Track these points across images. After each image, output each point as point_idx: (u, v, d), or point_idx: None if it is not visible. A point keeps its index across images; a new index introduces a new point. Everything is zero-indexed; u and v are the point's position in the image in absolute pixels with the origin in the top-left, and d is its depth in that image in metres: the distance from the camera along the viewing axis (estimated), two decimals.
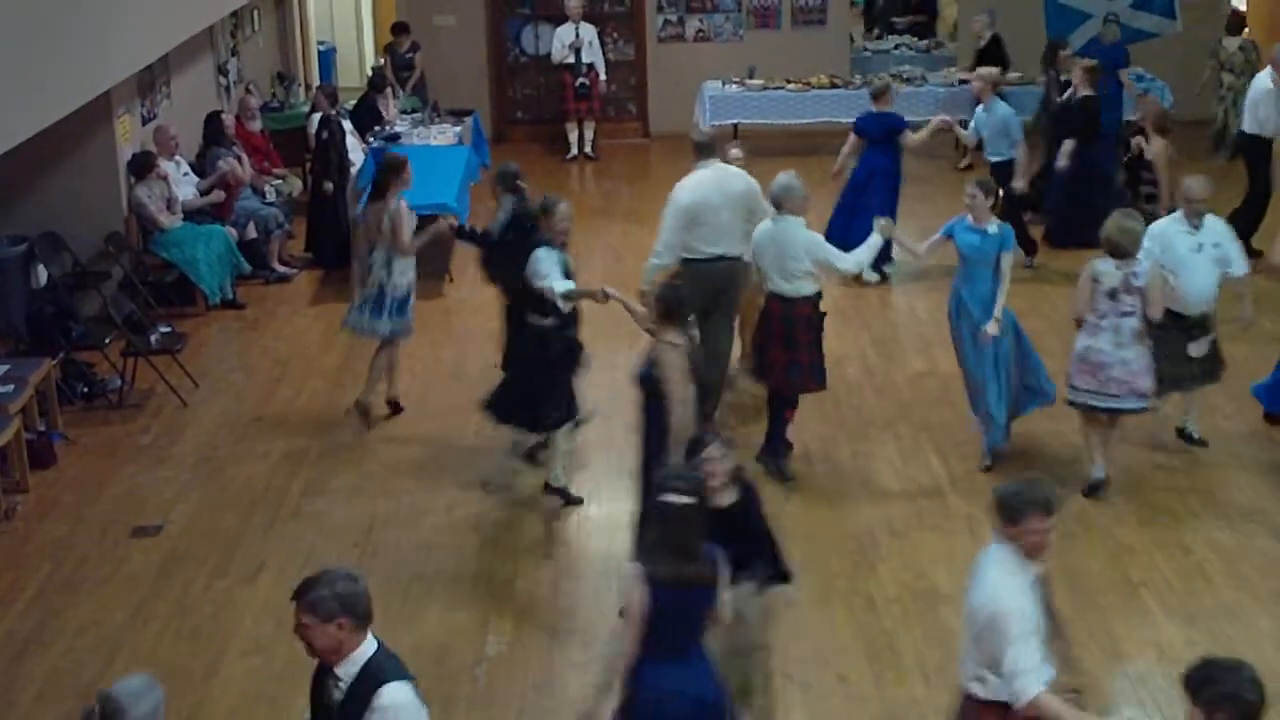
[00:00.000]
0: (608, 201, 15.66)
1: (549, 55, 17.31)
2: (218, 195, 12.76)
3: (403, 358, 10.32)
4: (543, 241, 8.54)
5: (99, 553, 8.39)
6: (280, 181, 14.12)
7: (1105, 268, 8.40)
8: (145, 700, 4.72)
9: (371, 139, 14.51)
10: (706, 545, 5.39)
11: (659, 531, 5.46)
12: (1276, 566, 7.95)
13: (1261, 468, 9.04)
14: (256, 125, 14.38)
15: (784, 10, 18.11)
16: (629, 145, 17.79)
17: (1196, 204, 8.95)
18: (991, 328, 8.76)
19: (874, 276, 12.49)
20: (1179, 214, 9.10)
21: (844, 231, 11.78)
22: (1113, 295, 8.39)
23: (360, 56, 21.15)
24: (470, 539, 8.47)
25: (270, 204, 13.42)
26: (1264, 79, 12.95)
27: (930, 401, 10.09)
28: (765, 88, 16.82)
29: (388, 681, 4.54)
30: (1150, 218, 9.45)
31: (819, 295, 8.96)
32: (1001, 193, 9.70)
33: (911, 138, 12.50)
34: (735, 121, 16.78)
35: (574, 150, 17.34)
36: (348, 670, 4.59)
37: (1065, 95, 13.43)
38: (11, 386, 9.11)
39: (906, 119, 12.74)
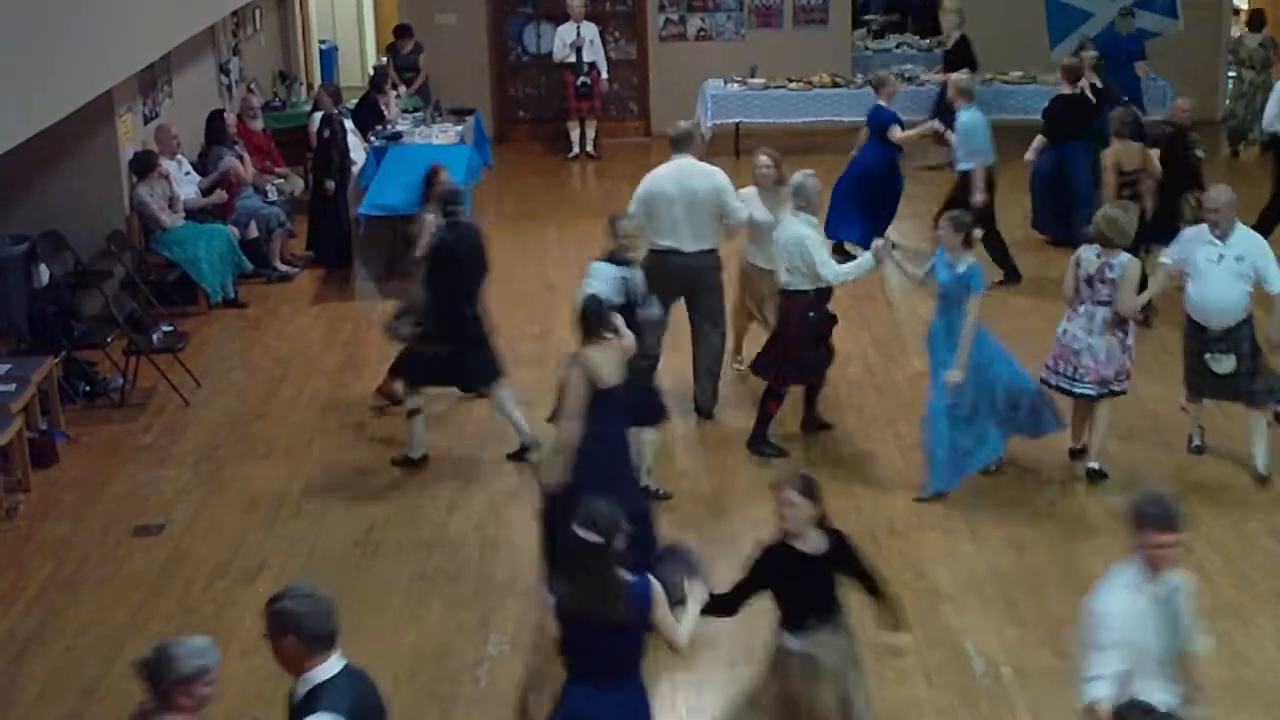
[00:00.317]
0: (609, 201, 15.58)
1: (551, 54, 17.30)
2: (220, 195, 12.77)
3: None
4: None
5: (100, 552, 8.40)
6: (282, 180, 14.13)
7: (1088, 254, 8.63)
8: (197, 659, 4.63)
9: (373, 138, 14.52)
10: (630, 582, 5.22)
11: (568, 562, 5.35)
12: (1278, 566, 7.95)
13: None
14: (258, 124, 14.38)
15: (785, 9, 18.10)
16: (631, 144, 17.78)
17: (1212, 214, 8.70)
18: (953, 375, 8.47)
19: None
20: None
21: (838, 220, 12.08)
22: (1089, 282, 8.60)
23: (362, 55, 21.15)
24: (471, 538, 8.47)
25: (272, 203, 13.42)
26: None
27: None
28: (767, 87, 16.82)
29: (315, 711, 4.46)
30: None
31: (816, 293, 9.01)
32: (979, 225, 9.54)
33: (898, 134, 12.55)
34: (737, 120, 16.78)
35: (575, 149, 17.34)
36: (299, 690, 4.58)
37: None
38: (13, 385, 9.12)
39: (898, 115, 12.75)
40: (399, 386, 9.61)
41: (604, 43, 17.57)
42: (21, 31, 7.32)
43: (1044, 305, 11.89)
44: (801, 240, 8.90)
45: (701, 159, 9.92)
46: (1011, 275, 12.39)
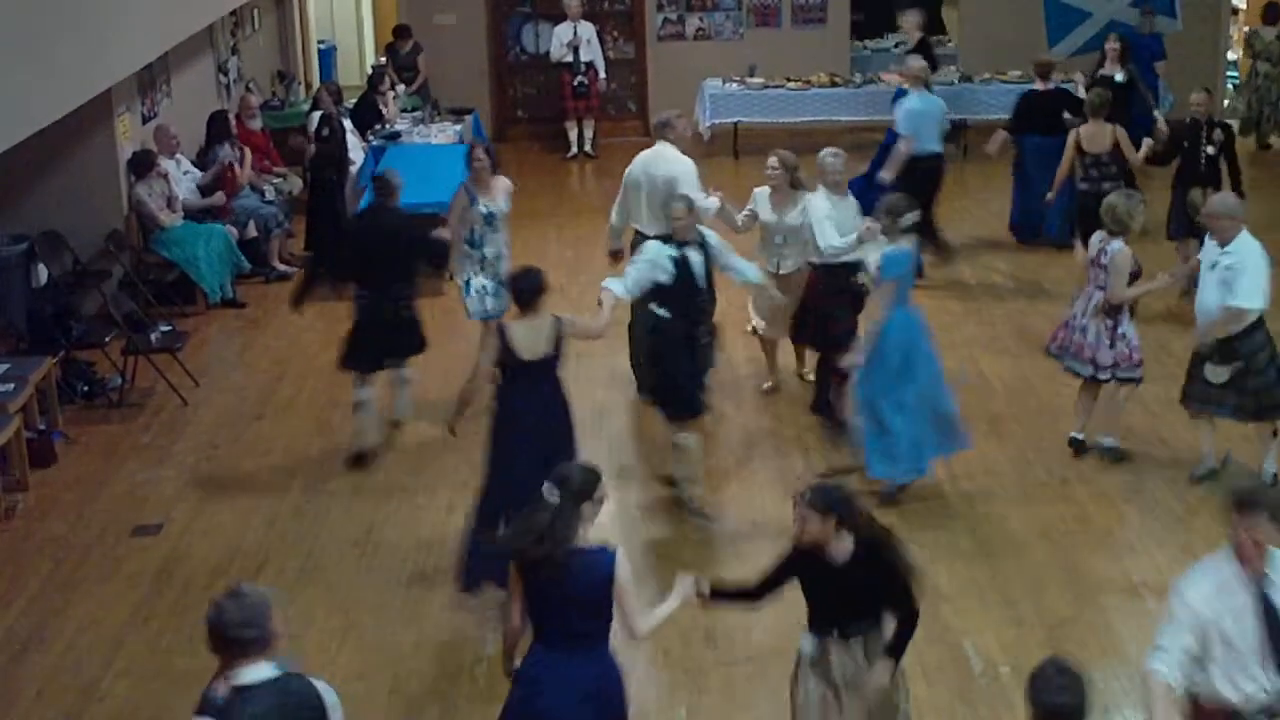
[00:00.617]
0: (608, 200, 15.55)
1: (549, 54, 17.30)
2: (219, 197, 12.77)
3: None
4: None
5: (99, 551, 8.39)
6: (280, 180, 14.12)
7: (1095, 238, 8.81)
8: (259, 609, 4.52)
9: (371, 137, 14.51)
10: (589, 552, 5.28)
11: (529, 521, 5.35)
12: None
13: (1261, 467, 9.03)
14: (257, 124, 14.37)
15: (784, 9, 18.10)
16: (629, 144, 17.67)
17: (1207, 219, 8.51)
18: (847, 359, 8.68)
19: None
20: None
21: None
22: (1091, 265, 8.83)
23: (360, 55, 21.14)
24: None
25: (270, 203, 13.41)
26: None
27: None
28: (765, 86, 16.81)
29: (207, 714, 4.45)
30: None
31: (843, 268, 9.22)
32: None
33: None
34: (735, 120, 16.78)
35: (574, 149, 17.34)
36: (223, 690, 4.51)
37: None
38: (12, 385, 9.11)
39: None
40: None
41: (603, 42, 17.57)
42: (20, 31, 7.31)
43: (1043, 305, 11.91)
44: (810, 217, 9.37)
45: (688, 152, 10.14)
46: (941, 250, 12.56)
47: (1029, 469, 9.12)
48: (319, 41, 19.29)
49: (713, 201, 9.82)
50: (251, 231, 12.96)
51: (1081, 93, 14.11)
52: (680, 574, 5.79)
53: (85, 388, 10.46)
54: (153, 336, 10.69)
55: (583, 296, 12.15)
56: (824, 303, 9.44)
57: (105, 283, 11.51)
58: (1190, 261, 9.25)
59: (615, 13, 18.21)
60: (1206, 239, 8.58)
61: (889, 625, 5.61)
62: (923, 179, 11.82)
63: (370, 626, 7.54)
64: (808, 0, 18.05)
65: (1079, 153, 11.72)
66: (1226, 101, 17.19)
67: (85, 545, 8.46)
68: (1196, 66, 16.40)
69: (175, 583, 8.01)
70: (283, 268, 13.19)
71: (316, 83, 17.03)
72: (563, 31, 17.01)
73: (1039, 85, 13.34)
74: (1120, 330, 8.81)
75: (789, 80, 16.92)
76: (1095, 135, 11.61)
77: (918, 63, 12.80)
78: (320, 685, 4.57)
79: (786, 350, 10.36)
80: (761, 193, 9.81)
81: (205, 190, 12.83)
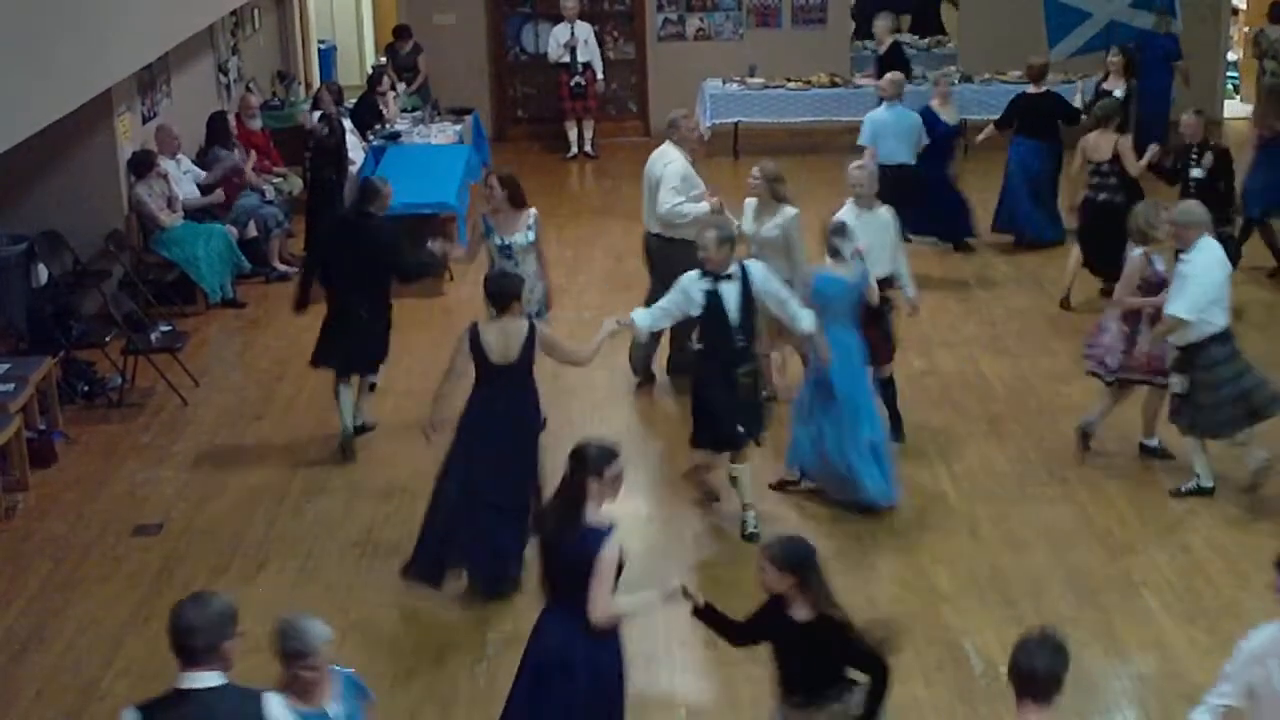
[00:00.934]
0: (607, 200, 15.66)
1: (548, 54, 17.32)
2: (218, 195, 12.77)
3: (403, 356, 10.34)
4: None
5: (99, 551, 8.39)
6: (280, 180, 14.12)
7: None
8: (212, 619, 4.55)
9: (372, 137, 14.51)
10: (590, 525, 5.50)
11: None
12: None
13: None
14: (257, 124, 14.38)
15: (784, 9, 18.10)
16: (629, 144, 17.77)
17: (1172, 227, 8.54)
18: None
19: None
20: None
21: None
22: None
23: (360, 55, 21.15)
24: None
25: (270, 203, 13.41)
26: None
27: (930, 401, 10.08)
28: (765, 87, 16.82)
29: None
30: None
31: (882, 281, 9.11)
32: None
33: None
34: (735, 120, 16.78)
35: (574, 149, 17.34)
36: None
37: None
38: (12, 385, 9.11)
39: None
40: None
41: (603, 43, 17.59)
42: (20, 31, 7.31)
43: (1044, 304, 11.93)
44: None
45: (694, 153, 10.27)
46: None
47: (1029, 469, 9.12)
48: (319, 41, 19.30)
49: (701, 206, 9.84)
50: (252, 231, 12.96)
51: (1077, 99, 14.13)
52: (674, 576, 5.81)
53: (85, 388, 10.46)
54: (153, 336, 10.69)
55: (582, 296, 12.17)
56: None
57: (105, 283, 11.51)
58: None
59: (615, 13, 18.22)
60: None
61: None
62: (888, 189, 11.81)
63: (370, 627, 7.54)
64: (808, 1, 18.05)
65: (1084, 160, 11.84)
66: (1238, 99, 17.25)
67: (85, 545, 8.46)
68: (1196, 67, 16.38)
69: (175, 583, 8.00)
70: (283, 268, 13.19)
71: (317, 83, 17.03)
72: (559, 32, 17.02)
73: (1032, 89, 13.36)
74: (1137, 337, 8.74)
75: (789, 80, 16.93)
76: (1099, 144, 11.71)
77: (893, 75, 12.93)
78: (272, 703, 4.52)
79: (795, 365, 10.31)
80: (750, 203, 9.68)
81: (207, 190, 12.82)
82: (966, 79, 16.59)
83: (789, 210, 9.39)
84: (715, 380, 8.07)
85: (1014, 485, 8.93)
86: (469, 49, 18.14)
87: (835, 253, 8.47)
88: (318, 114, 13.65)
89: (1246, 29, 18.92)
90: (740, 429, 8.14)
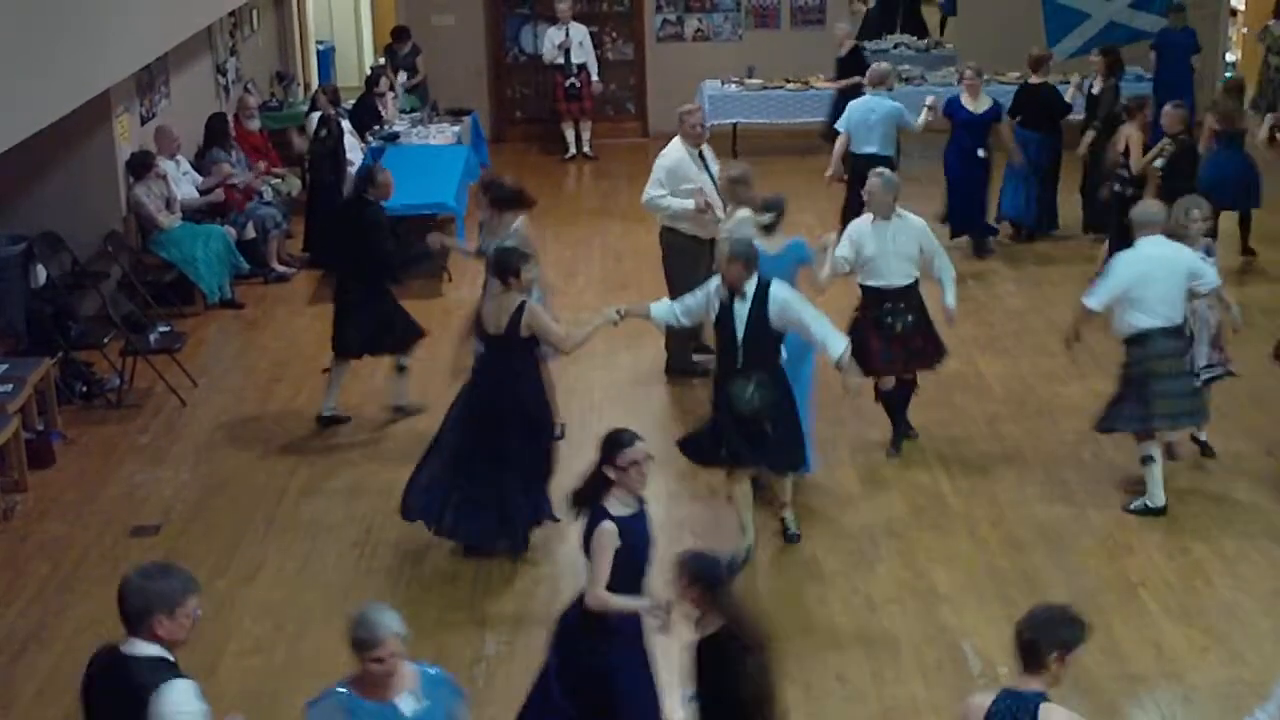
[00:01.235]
0: (606, 201, 15.66)
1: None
2: (217, 195, 12.77)
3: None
4: None
5: (98, 552, 8.39)
6: (279, 181, 14.12)
7: None
8: (154, 589, 4.68)
9: (370, 138, 14.51)
10: (597, 507, 5.73)
11: None
12: (1276, 566, 7.95)
13: (1260, 468, 9.03)
14: (255, 124, 14.38)
15: (783, 10, 18.11)
16: (628, 145, 17.80)
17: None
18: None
19: None
20: None
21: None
22: None
23: (359, 56, 21.16)
24: None
25: (268, 203, 13.41)
26: None
27: (930, 401, 10.06)
28: (764, 87, 16.82)
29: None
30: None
31: (863, 290, 9.16)
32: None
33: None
34: (734, 121, 16.78)
35: (572, 150, 17.35)
36: None
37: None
38: (10, 386, 9.11)
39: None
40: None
41: (601, 43, 17.61)
42: (19, 31, 7.31)
43: (1042, 304, 11.92)
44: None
45: (697, 146, 10.31)
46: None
47: (1027, 469, 9.12)
48: (317, 42, 19.30)
49: (685, 202, 9.86)
50: (250, 232, 12.96)
51: (1069, 94, 14.14)
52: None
53: (84, 388, 10.45)
54: (151, 337, 10.70)
55: (581, 296, 12.16)
56: (857, 325, 9.14)
57: (104, 283, 11.50)
58: None
59: (614, 14, 18.23)
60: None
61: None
62: (854, 179, 11.88)
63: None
64: (806, 1, 18.05)
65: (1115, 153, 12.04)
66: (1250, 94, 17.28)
67: (84, 546, 8.46)
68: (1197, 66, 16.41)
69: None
70: (281, 269, 13.19)
71: (315, 83, 17.03)
72: (554, 34, 17.04)
73: (1033, 78, 13.47)
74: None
75: (788, 81, 16.93)
76: (1118, 137, 11.89)
77: (876, 66, 13.17)
78: (173, 688, 4.57)
79: None
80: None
81: (204, 194, 12.82)
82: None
83: (740, 213, 9.24)
84: (715, 394, 7.99)
85: (1012, 486, 8.93)
86: (467, 50, 18.14)
87: (762, 226, 8.63)
88: (317, 114, 13.65)
89: (1245, 29, 18.93)
90: (724, 452, 7.86)
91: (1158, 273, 8.31)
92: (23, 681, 7.15)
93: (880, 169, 9.41)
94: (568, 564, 8.18)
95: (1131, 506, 8.54)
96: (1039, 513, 8.58)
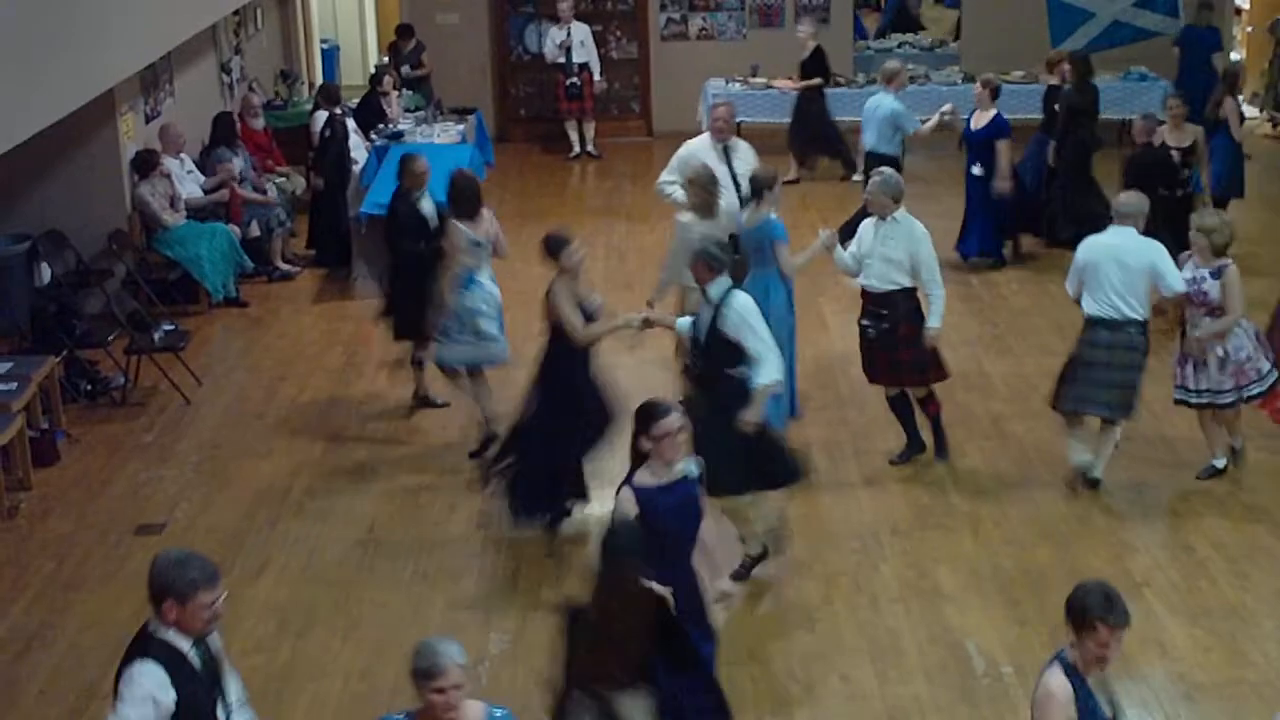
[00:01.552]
0: (610, 200, 15.66)
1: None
2: (222, 195, 12.78)
3: (405, 355, 10.35)
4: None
5: (102, 550, 8.40)
6: (283, 179, 14.13)
7: None
8: (173, 574, 4.78)
9: (375, 137, 14.51)
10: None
11: None
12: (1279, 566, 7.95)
13: (1264, 467, 9.03)
14: (259, 123, 14.38)
15: (787, 8, 18.09)
16: (632, 144, 17.80)
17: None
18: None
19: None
20: None
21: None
22: None
23: (363, 54, 21.14)
24: (473, 536, 8.47)
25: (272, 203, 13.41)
26: None
27: None
28: (768, 86, 16.80)
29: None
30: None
31: (863, 295, 9.06)
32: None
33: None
34: (738, 120, 16.72)
35: (576, 149, 17.33)
36: None
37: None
38: (15, 384, 9.12)
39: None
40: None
41: (605, 42, 17.61)
42: (23, 30, 7.32)
43: (1046, 304, 11.91)
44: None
45: (720, 140, 10.36)
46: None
47: (1031, 468, 9.12)
48: (322, 41, 19.29)
49: (677, 192, 9.87)
50: (254, 231, 12.97)
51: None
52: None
53: (88, 387, 10.46)
54: (155, 336, 10.70)
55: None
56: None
57: (108, 282, 11.51)
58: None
59: (618, 12, 18.21)
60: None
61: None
62: (866, 175, 11.94)
63: (373, 625, 7.55)
64: (811, 0, 18.04)
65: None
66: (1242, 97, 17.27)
67: (88, 544, 8.47)
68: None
69: None
70: (285, 267, 13.20)
71: (319, 82, 17.02)
72: (555, 33, 17.03)
73: (1054, 81, 13.57)
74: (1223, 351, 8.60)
75: (790, 79, 16.89)
76: (1153, 139, 11.98)
77: (888, 63, 13.24)
78: (140, 669, 4.69)
79: None
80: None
81: (208, 193, 12.82)
82: (969, 79, 16.57)
83: (681, 217, 9.51)
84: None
85: (1016, 485, 8.92)
86: (472, 48, 18.14)
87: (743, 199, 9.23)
88: (323, 114, 13.65)
89: (1250, 28, 18.91)
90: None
91: (1107, 264, 8.40)
92: (26, 680, 7.16)
93: (882, 168, 9.37)
94: (570, 562, 8.20)
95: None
96: (1043, 512, 8.58)
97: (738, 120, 16.62)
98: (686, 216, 9.39)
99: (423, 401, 10.16)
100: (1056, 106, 13.34)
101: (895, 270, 8.80)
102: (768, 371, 7.45)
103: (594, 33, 17.31)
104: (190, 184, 12.67)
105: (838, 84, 16.85)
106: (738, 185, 9.94)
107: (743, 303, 7.52)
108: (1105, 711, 4.93)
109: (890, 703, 6.83)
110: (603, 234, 14.09)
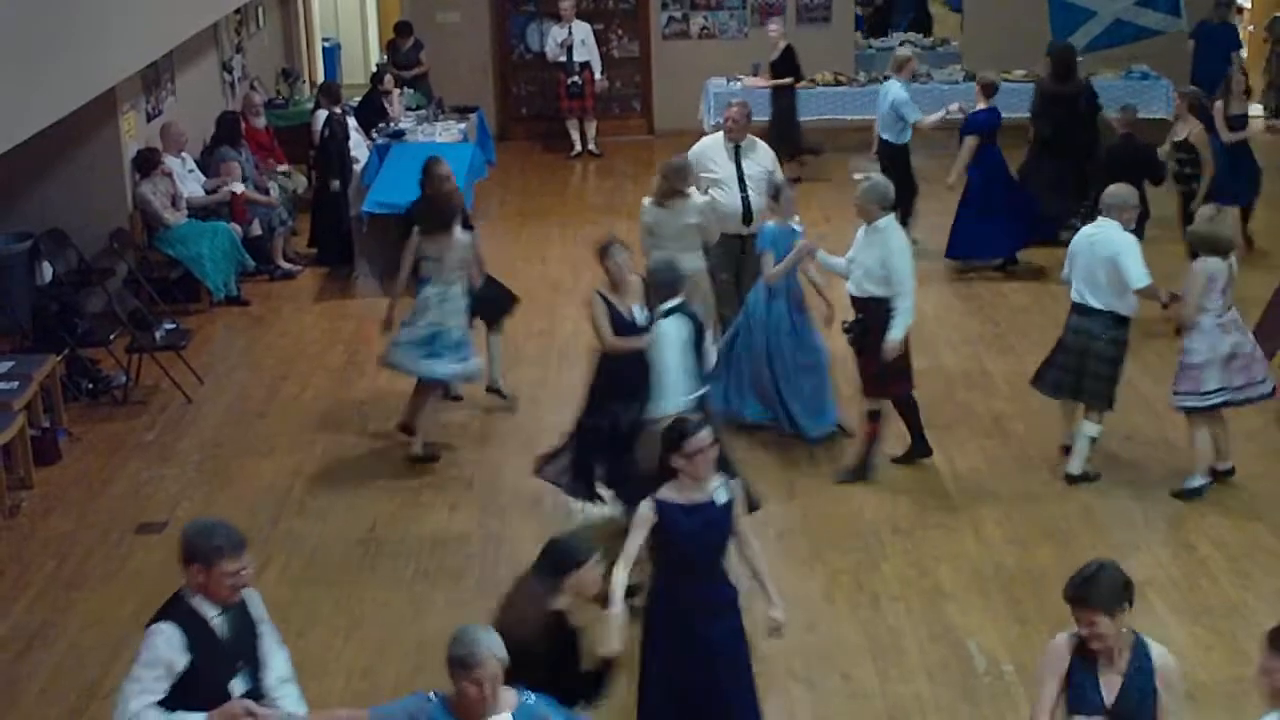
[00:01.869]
0: (611, 198, 15.65)
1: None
2: (224, 194, 12.78)
3: None
4: None
5: (103, 549, 8.40)
6: (285, 178, 14.13)
7: (1220, 265, 8.42)
8: (197, 542, 4.91)
9: (376, 135, 14.51)
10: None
11: None
12: None
13: (1265, 466, 9.03)
14: (261, 122, 14.38)
15: (788, 7, 18.09)
16: (633, 142, 17.79)
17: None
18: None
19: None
20: None
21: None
22: (1224, 291, 8.46)
23: (365, 53, 21.14)
24: (474, 536, 8.47)
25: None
26: None
27: (933, 399, 10.05)
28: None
29: None
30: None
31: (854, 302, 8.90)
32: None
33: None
34: None
35: (577, 147, 17.33)
36: None
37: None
38: (16, 383, 9.13)
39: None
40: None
41: (606, 41, 17.60)
42: (24, 29, 7.32)
43: (1047, 302, 11.91)
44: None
45: (731, 138, 10.33)
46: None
47: (1032, 467, 9.12)
48: (323, 39, 19.30)
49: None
50: (256, 229, 12.97)
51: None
52: None
53: (90, 385, 10.47)
54: (157, 334, 10.71)
55: (587, 294, 12.13)
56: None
57: (110, 280, 11.52)
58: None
59: (620, 11, 18.21)
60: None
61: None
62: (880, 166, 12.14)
63: (374, 624, 7.55)
64: (811, 0, 18.03)
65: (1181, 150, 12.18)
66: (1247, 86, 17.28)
67: (89, 543, 8.47)
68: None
69: (179, 581, 7.97)
70: (286, 266, 13.21)
71: (321, 80, 17.03)
72: (557, 32, 17.03)
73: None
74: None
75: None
76: (1175, 132, 12.12)
77: (899, 51, 13.48)
78: (157, 630, 4.82)
79: None
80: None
81: (209, 193, 12.83)
82: (970, 78, 16.57)
83: (643, 202, 9.63)
84: None
85: (1018, 484, 8.92)
86: (473, 47, 18.13)
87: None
88: (323, 113, 13.65)
89: (1251, 27, 18.89)
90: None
91: (1082, 253, 8.62)
92: (27, 679, 7.16)
93: (868, 173, 9.38)
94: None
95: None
96: (1044, 511, 8.58)
97: None
98: (647, 200, 9.55)
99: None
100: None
101: (865, 277, 8.66)
102: (668, 399, 7.42)
103: (595, 31, 17.31)
104: (192, 183, 12.67)
105: (839, 83, 16.87)
106: (743, 185, 9.95)
107: (662, 330, 7.57)
108: (1100, 698, 4.90)
109: (891, 701, 6.83)
110: (604, 233, 14.06)
